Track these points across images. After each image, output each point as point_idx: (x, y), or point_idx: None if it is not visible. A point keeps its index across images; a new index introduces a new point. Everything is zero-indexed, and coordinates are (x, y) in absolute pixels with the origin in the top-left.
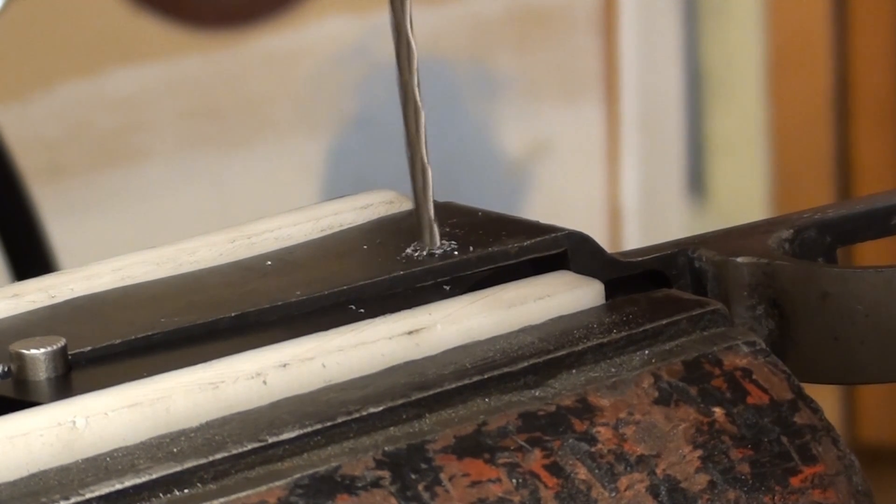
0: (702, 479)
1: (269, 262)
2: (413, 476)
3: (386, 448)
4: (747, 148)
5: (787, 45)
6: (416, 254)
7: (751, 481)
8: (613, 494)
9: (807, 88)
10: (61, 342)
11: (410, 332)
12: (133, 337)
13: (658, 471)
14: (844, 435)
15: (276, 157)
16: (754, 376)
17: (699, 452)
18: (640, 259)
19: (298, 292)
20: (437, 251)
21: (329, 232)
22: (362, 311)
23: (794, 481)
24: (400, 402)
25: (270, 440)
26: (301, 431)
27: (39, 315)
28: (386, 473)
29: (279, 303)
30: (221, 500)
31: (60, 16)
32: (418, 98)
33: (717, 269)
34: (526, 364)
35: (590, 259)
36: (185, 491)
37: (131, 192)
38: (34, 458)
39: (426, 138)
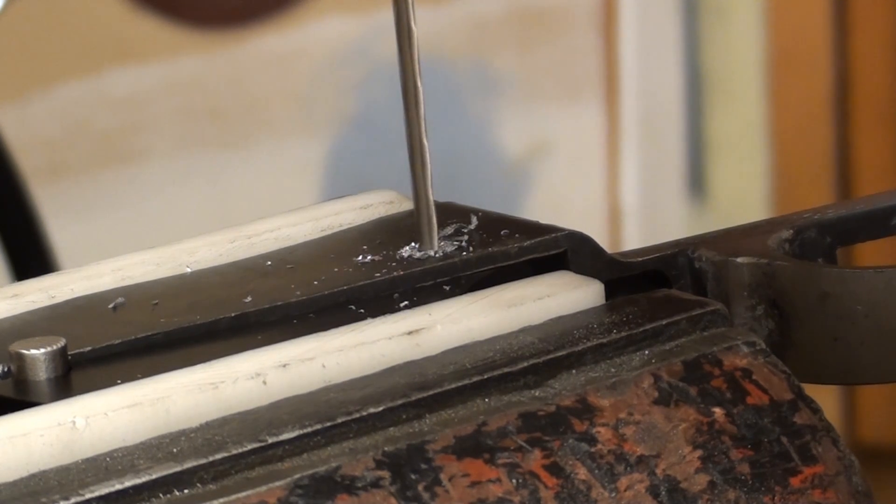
0: (702, 480)
1: (269, 263)
2: (413, 476)
3: (386, 448)
4: (747, 148)
5: (787, 45)
6: (416, 254)
7: (751, 481)
8: (613, 495)
9: (807, 88)
10: (61, 342)
11: (410, 333)
12: (133, 337)
13: (658, 471)
14: (844, 435)
15: (276, 157)
16: (754, 376)
17: (699, 453)
18: (639, 259)
19: (298, 292)
20: (437, 251)
21: (329, 232)
22: (362, 311)
23: (794, 481)
24: (400, 402)
25: (270, 440)
26: (301, 432)
27: (39, 315)
28: (386, 473)
29: (279, 303)
30: (221, 500)
31: (60, 16)
32: (420, 96)
33: (717, 269)
34: (526, 364)
35: (590, 259)
36: (185, 491)
37: (131, 192)
38: (34, 458)
39: (427, 138)
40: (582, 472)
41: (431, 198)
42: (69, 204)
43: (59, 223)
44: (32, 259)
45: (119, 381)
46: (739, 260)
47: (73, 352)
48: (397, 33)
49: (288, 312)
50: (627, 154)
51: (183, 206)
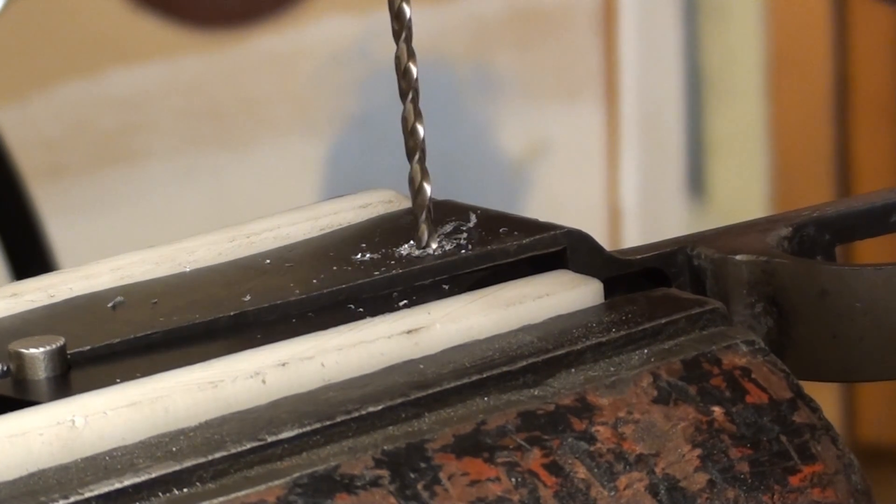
0: (701, 478)
1: (268, 262)
2: (412, 475)
3: (385, 447)
4: (747, 148)
5: (787, 45)
6: (415, 252)
7: (750, 480)
8: (612, 493)
9: (807, 88)
10: (60, 341)
11: (409, 332)
12: (132, 336)
13: (657, 470)
14: (844, 434)
15: (276, 157)
16: (753, 375)
17: (698, 451)
18: (638, 257)
19: (297, 291)
20: (436, 250)
21: (328, 231)
22: (361, 310)
23: (794, 480)
24: (399, 401)
25: (269, 439)
26: (300, 430)
27: (38, 314)
28: (385, 472)
29: (278, 302)
30: (220, 499)
31: (60, 16)
32: (413, 77)
33: (716, 266)
34: (525, 363)
35: (589, 257)
36: (184, 490)
37: (131, 192)
38: (33, 457)
39: (423, 125)
40: (581, 471)
41: (430, 196)
42: (69, 204)
43: (59, 223)
44: (32, 259)
45: (118, 380)
46: (738, 258)
47: (72, 351)
48: (391, 20)
49: (287, 311)
50: (627, 154)
51: (183, 205)
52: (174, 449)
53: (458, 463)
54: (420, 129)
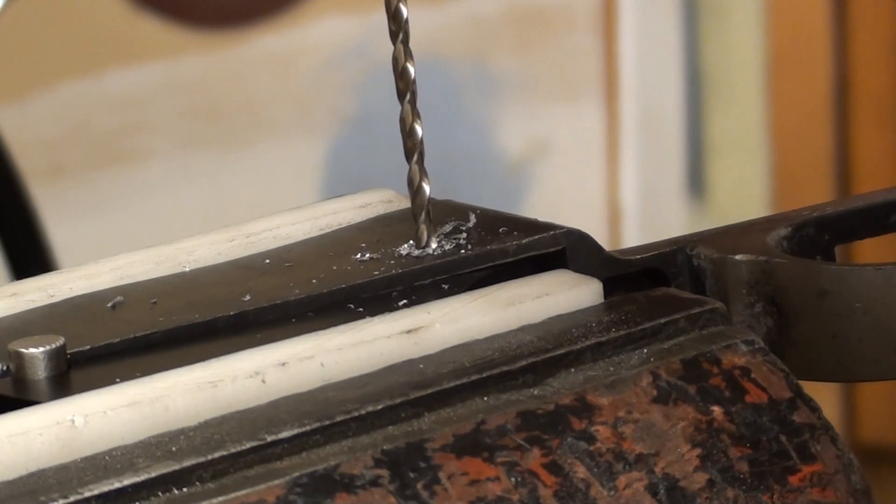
0: (700, 478)
1: (268, 261)
2: (412, 475)
3: (385, 447)
4: (747, 148)
5: (787, 45)
6: (415, 252)
7: (749, 480)
8: (612, 493)
9: (807, 88)
10: (60, 341)
11: (409, 331)
12: (132, 336)
13: (657, 469)
14: (844, 435)
15: (276, 157)
16: (753, 375)
17: (698, 451)
18: (638, 257)
19: (297, 291)
20: (436, 250)
21: (328, 231)
22: (361, 309)
23: (793, 480)
24: (399, 400)
25: (269, 439)
26: (300, 430)
27: (38, 314)
28: (385, 472)
29: (278, 302)
30: (220, 498)
31: (60, 16)
32: (410, 78)
33: (715, 266)
34: (524, 363)
35: (588, 257)
36: (184, 490)
37: (131, 192)
38: (33, 456)
39: (421, 125)
40: (581, 471)
41: (429, 196)
42: (69, 204)
43: (59, 223)
44: (32, 259)
45: (118, 380)
46: (738, 257)
47: (72, 350)
48: (388, 20)
49: (287, 311)
50: (627, 154)
51: (183, 206)
52: (174, 449)
53: (457, 462)
54: (418, 130)
